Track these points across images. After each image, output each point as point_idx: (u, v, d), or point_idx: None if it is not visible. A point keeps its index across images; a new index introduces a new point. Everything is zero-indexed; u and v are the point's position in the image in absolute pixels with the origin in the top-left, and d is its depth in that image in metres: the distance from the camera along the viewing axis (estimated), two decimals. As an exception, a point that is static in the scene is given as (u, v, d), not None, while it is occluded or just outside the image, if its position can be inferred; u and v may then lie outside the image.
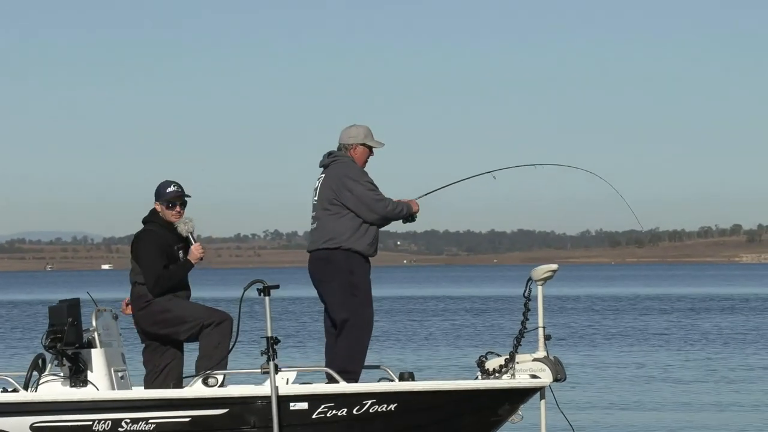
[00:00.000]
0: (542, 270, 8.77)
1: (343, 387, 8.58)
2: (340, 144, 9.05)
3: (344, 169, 8.89)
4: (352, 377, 8.76)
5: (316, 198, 8.96)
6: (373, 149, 9.03)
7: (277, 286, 8.66)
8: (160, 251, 8.93)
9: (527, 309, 8.73)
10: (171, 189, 9.05)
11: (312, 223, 8.99)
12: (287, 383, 8.72)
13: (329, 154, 9.04)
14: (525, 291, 8.74)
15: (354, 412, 8.49)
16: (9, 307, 51.89)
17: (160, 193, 9.08)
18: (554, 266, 8.77)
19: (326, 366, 8.80)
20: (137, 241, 9.00)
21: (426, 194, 9.09)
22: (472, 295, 58.22)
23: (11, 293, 76.10)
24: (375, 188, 8.89)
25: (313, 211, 8.99)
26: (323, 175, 8.97)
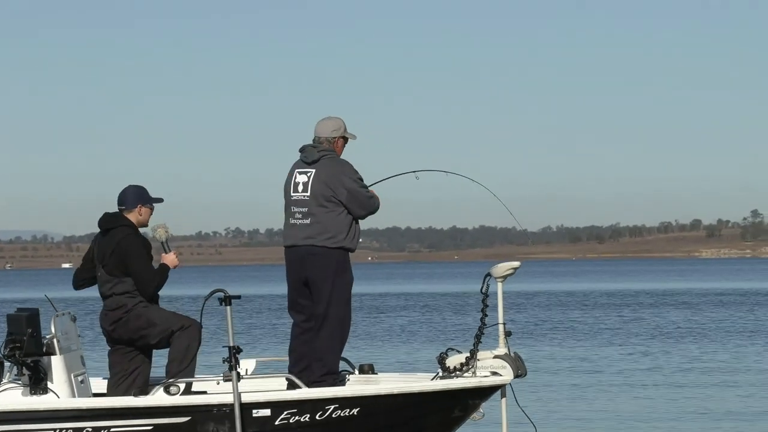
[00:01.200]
0: (504, 267, 8.76)
1: (305, 393, 8.59)
2: (321, 137, 8.93)
3: (339, 166, 8.85)
4: (336, 376, 8.81)
5: (307, 193, 8.80)
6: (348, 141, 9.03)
7: (238, 297, 8.63)
8: (150, 255, 8.94)
9: (485, 305, 8.74)
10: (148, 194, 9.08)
11: (300, 218, 8.84)
12: (246, 373, 8.72)
13: (314, 147, 8.90)
14: (482, 287, 8.74)
15: (317, 417, 8.50)
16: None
17: (148, 197, 9.05)
18: (516, 264, 8.76)
19: (302, 362, 8.77)
20: (129, 247, 8.85)
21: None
22: (430, 292, 58.35)
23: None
24: (365, 185, 8.91)
25: (299, 206, 8.84)
26: (312, 170, 8.85)
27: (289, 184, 8.92)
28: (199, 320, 8.85)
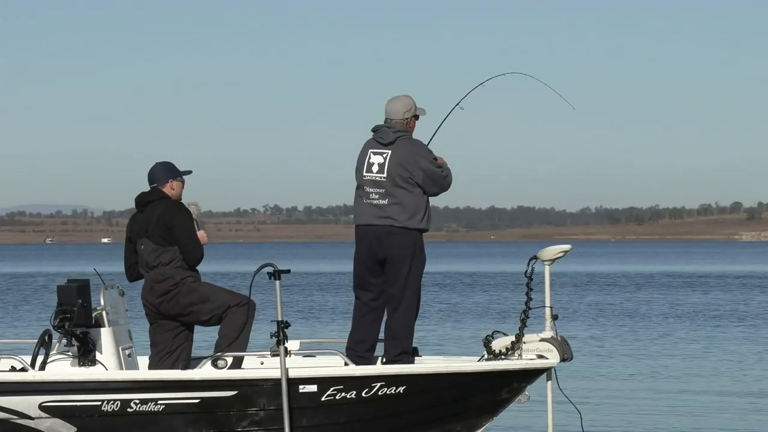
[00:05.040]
0: (554, 251, 8.68)
1: (352, 370, 8.59)
2: (392, 119, 8.93)
3: (415, 147, 8.87)
4: (410, 356, 8.83)
5: (383, 174, 8.79)
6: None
7: (288, 271, 8.64)
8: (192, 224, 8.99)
9: (530, 288, 8.71)
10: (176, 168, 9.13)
11: (377, 198, 8.82)
12: (290, 354, 8.73)
13: (389, 128, 8.88)
14: (527, 270, 8.70)
15: (363, 394, 8.50)
16: (10, 278, 51.90)
17: (177, 171, 9.10)
18: (566, 247, 8.69)
19: (366, 342, 8.78)
20: (174, 215, 8.87)
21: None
22: (467, 272, 58.33)
23: (13, 266, 76.08)
24: (440, 165, 8.92)
25: (375, 187, 8.82)
26: (388, 152, 8.84)
27: (362, 164, 8.89)
28: (248, 295, 8.86)
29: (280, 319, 8.53)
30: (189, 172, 9.17)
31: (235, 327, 8.80)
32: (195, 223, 9.07)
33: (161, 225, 8.88)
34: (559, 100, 9.57)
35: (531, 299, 8.70)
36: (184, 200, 9.14)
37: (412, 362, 8.87)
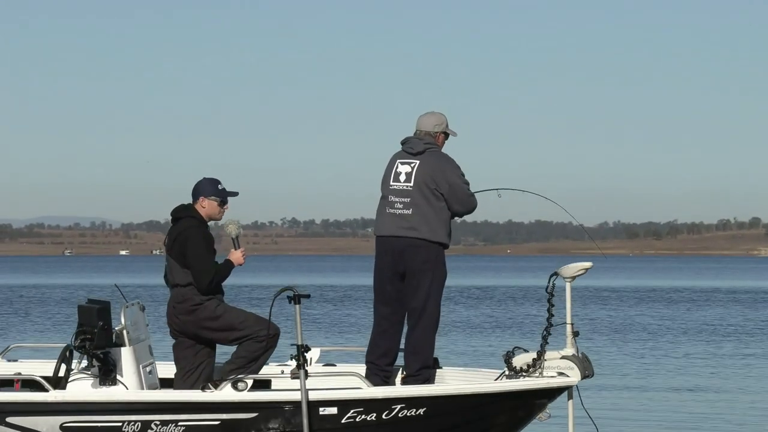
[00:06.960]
0: (575, 268, 8.65)
1: (372, 392, 8.58)
2: (422, 131, 8.89)
3: (444, 159, 8.82)
4: (431, 371, 8.82)
5: (410, 183, 8.75)
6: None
7: (308, 296, 8.61)
8: (210, 248, 8.89)
9: (551, 304, 8.65)
10: (222, 186, 9.00)
11: (402, 208, 8.77)
12: (310, 363, 8.73)
13: (419, 139, 8.84)
14: (548, 286, 8.65)
15: (383, 416, 8.48)
16: (30, 289, 52.02)
17: (211, 190, 8.98)
18: (587, 264, 8.66)
19: (388, 356, 8.78)
20: (188, 237, 8.81)
21: None
22: (485, 285, 58.30)
23: (34, 277, 76.28)
24: (467, 181, 8.85)
25: (400, 196, 8.78)
26: (417, 161, 8.79)
27: (389, 174, 8.84)
28: (268, 317, 8.81)
29: (300, 343, 8.52)
30: (235, 194, 9.03)
31: (250, 357, 8.76)
32: (234, 241, 8.95)
33: (177, 246, 8.85)
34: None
35: (552, 315, 8.64)
36: (225, 218, 9.04)
37: (433, 376, 8.85)
